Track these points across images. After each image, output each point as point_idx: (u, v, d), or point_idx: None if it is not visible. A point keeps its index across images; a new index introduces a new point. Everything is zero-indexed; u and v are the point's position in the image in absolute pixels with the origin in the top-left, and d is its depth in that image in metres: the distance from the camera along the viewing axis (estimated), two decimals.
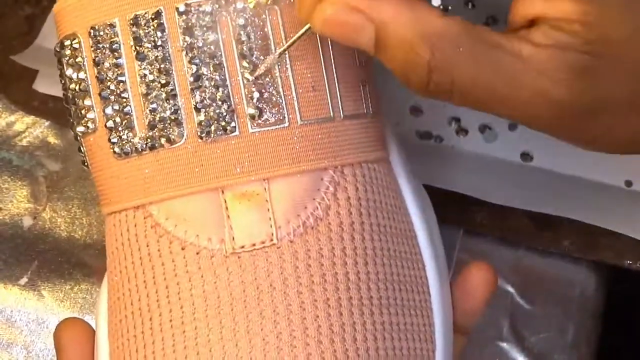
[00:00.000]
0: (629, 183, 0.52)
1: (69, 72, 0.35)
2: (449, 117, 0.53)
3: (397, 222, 0.35)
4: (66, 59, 0.35)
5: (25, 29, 0.55)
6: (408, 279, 0.35)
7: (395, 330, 0.34)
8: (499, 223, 0.51)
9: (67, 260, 0.51)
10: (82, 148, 0.36)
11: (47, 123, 0.54)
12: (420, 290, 0.35)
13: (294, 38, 0.33)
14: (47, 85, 0.53)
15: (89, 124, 0.34)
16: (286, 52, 0.33)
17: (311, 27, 0.31)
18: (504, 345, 0.50)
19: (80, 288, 0.51)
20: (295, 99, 0.33)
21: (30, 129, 0.54)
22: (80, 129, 0.35)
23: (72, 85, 0.35)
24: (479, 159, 0.52)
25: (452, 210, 0.51)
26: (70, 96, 0.35)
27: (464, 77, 0.30)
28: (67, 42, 0.34)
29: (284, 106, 0.33)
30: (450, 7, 0.56)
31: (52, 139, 0.54)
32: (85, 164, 0.36)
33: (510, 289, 0.51)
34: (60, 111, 0.53)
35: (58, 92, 0.53)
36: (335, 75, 0.34)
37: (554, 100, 0.30)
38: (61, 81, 0.36)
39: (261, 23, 0.33)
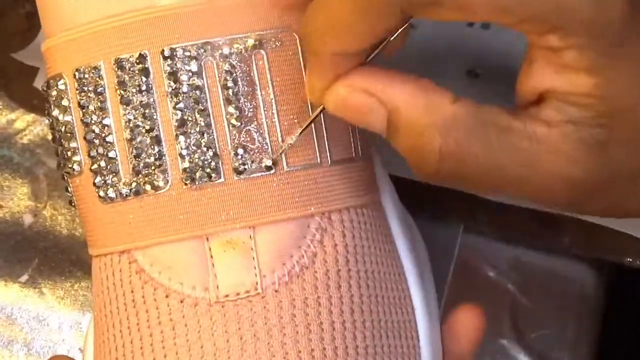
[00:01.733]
0: None
1: (55, 112, 0.34)
2: None
3: (387, 267, 0.35)
4: (52, 99, 0.34)
5: (25, 26, 0.55)
6: (396, 325, 0.34)
7: None
8: (499, 220, 0.51)
9: (67, 258, 0.51)
10: (69, 188, 0.35)
11: (47, 121, 0.54)
12: (409, 335, 0.35)
13: (312, 118, 0.33)
14: None
15: (75, 166, 0.34)
16: (274, 99, 0.33)
17: (325, 105, 0.31)
18: (505, 342, 0.50)
19: (81, 285, 0.51)
20: (280, 145, 0.33)
21: (30, 126, 0.54)
22: (67, 170, 0.34)
23: (59, 127, 0.34)
24: None
25: (453, 208, 0.51)
26: (57, 137, 0.35)
27: (476, 163, 0.30)
28: (53, 83, 0.34)
29: (270, 152, 0.33)
30: None
31: None
32: (73, 204, 0.36)
33: (511, 286, 0.51)
34: None
35: None
36: (322, 121, 0.34)
37: (570, 180, 0.30)
38: (48, 119, 0.35)
39: (247, 68, 0.32)
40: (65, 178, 0.35)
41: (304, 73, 0.33)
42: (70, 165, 0.34)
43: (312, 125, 0.33)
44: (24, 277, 0.51)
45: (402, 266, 0.36)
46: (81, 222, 0.35)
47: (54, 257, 0.51)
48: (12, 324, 0.50)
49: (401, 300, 0.35)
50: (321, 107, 0.32)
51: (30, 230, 0.52)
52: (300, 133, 0.33)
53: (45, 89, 0.35)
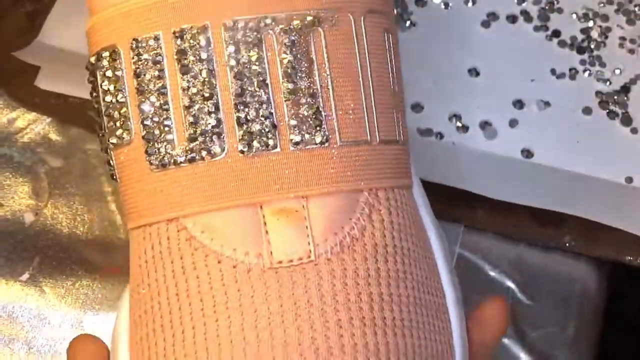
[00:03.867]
0: (629, 179, 0.52)
1: (104, 84, 0.35)
2: (449, 113, 0.53)
3: (422, 250, 0.36)
4: (103, 70, 0.35)
5: (26, 25, 0.55)
6: (432, 305, 0.35)
7: (423, 354, 0.34)
8: (499, 219, 0.51)
9: (68, 257, 0.51)
10: (111, 161, 0.35)
11: (48, 120, 0.54)
12: (442, 317, 0.35)
13: None
14: (48, 82, 0.53)
15: (124, 136, 0.34)
16: (330, 75, 0.34)
17: None
18: (505, 341, 0.50)
19: (82, 284, 0.51)
20: (335, 119, 0.34)
21: (31, 125, 0.54)
22: (113, 140, 0.35)
23: (108, 97, 0.35)
24: (480, 155, 0.52)
25: (453, 207, 0.51)
26: (104, 108, 0.35)
27: None
28: (105, 54, 0.34)
29: (325, 126, 0.33)
30: (450, 4, 0.56)
31: (53, 136, 0.54)
32: (115, 177, 0.36)
33: (511, 285, 0.51)
34: (62, 108, 0.53)
35: (60, 89, 0.53)
36: (373, 100, 0.34)
37: None
38: (92, 94, 0.35)
39: (305, 44, 0.33)
40: (109, 151, 0.35)
41: (357, 53, 0.34)
42: (119, 135, 0.34)
43: (364, 103, 0.34)
44: (25, 276, 0.51)
45: (433, 252, 0.36)
46: (122, 195, 0.36)
47: (55, 256, 0.51)
48: (13, 322, 0.50)
49: (435, 283, 0.36)
50: None
51: (31, 229, 0.52)
52: None
53: (93, 61, 0.35)
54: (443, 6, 0.56)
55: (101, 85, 0.35)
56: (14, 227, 0.52)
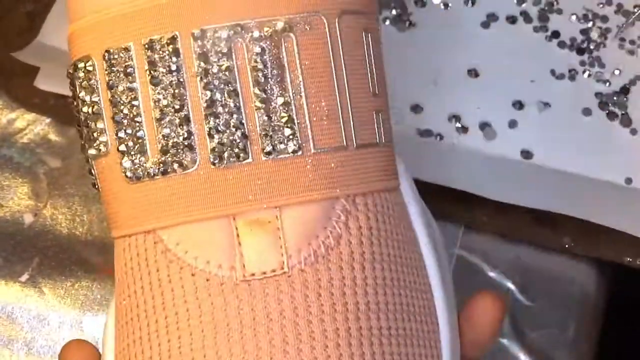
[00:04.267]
0: (629, 180, 0.52)
1: (82, 94, 0.34)
2: (449, 114, 0.53)
3: (407, 252, 0.35)
4: (79, 81, 0.34)
5: (26, 25, 0.55)
6: (417, 309, 0.35)
7: None
8: (499, 220, 0.51)
9: (67, 257, 0.51)
10: (92, 171, 0.35)
11: (48, 120, 0.54)
12: (428, 320, 0.35)
13: None
14: (48, 83, 0.53)
15: (101, 147, 0.34)
16: (303, 82, 0.33)
17: None
18: (504, 341, 0.50)
19: (81, 285, 0.51)
20: (309, 127, 0.33)
21: (31, 126, 0.54)
22: (92, 151, 0.34)
23: (85, 108, 0.34)
24: (479, 156, 0.52)
25: (453, 207, 0.51)
26: (83, 119, 0.35)
27: None
28: (81, 65, 0.34)
29: (298, 134, 0.33)
30: (450, 5, 0.56)
31: (53, 136, 0.54)
32: (96, 186, 0.36)
33: (511, 285, 0.51)
34: (62, 108, 0.53)
35: (59, 89, 0.53)
36: (349, 104, 0.34)
37: None
38: (73, 103, 0.35)
39: (277, 51, 0.33)
40: (89, 160, 0.35)
41: (331, 57, 0.33)
42: (96, 146, 0.34)
43: (339, 108, 0.34)
44: (25, 277, 0.51)
45: (422, 253, 0.36)
46: (104, 204, 0.35)
47: (55, 257, 0.51)
48: (12, 323, 0.50)
49: (421, 286, 0.35)
50: None
51: (31, 230, 0.52)
52: None
53: (71, 71, 0.35)
54: (443, 7, 0.56)
55: (79, 96, 0.34)
56: (13, 227, 0.52)
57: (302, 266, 0.33)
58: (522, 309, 0.51)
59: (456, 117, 0.53)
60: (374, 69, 0.35)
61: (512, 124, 0.53)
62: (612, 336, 0.54)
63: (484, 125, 0.53)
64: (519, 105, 0.54)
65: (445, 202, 0.50)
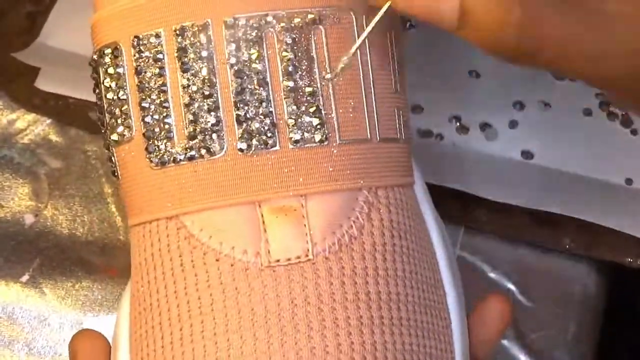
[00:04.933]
0: (629, 181, 0.52)
1: (106, 80, 0.35)
2: (449, 115, 0.53)
3: (422, 248, 0.36)
4: (105, 67, 0.35)
5: (26, 26, 0.55)
6: (432, 304, 0.35)
7: (421, 352, 0.34)
8: (499, 220, 0.51)
9: (68, 258, 0.51)
10: (113, 158, 0.36)
11: (48, 121, 0.54)
12: (442, 315, 0.35)
13: (374, 20, 0.33)
14: (48, 83, 0.53)
15: (125, 133, 0.34)
16: (329, 71, 0.33)
17: (393, 3, 0.31)
18: (505, 342, 0.50)
19: (82, 285, 0.51)
20: (335, 118, 0.34)
21: (31, 126, 0.54)
22: (114, 137, 0.35)
23: (109, 94, 0.35)
24: (480, 156, 0.52)
25: (453, 208, 0.51)
26: (106, 105, 0.35)
27: (554, 33, 0.30)
28: (108, 51, 0.34)
29: (325, 124, 0.33)
30: None
31: (53, 137, 0.54)
32: (116, 174, 0.36)
33: (511, 286, 0.51)
34: (62, 109, 0.53)
35: (59, 89, 0.53)
36: (374, 99, 0.34)
37: None
38: (95, 90, 0.36)
39: (306, 42, 0.33)
40: (110, 147, 0.35)
41: (358, 51, 0.34)
42: (119, 132, 0.35)
43: (365, 102, 0.34)
44: (25, 277, 0.51)
45: (435, 250, 0.36)
46: (123, 192, 0.36)
47: (55, 257, 0.51)
48: (13, 323, 0.50)
49: (435, 282, 0.36)
50: (387, 4, 0.32)
51: (31, 230, 0.52)
52: (362, 39, 0.33)
53: (96, 58, 0.35)
54: None
55: (103, 82, 0.35)
56: (14, 228, 0.52)
57: (327, 254, 0.33)
58: (522, 309, 0.51)
59: (457, 118, 0.53)
60: (396, 67, 0.36)
61: (513, 124, 0.53)
62: (612, 336, 0.54)
63: (484, 126, 0.53)
64: (519, 105, 0.54)
65: (445, 203, 0.50)
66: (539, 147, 0.52)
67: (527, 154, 0.52)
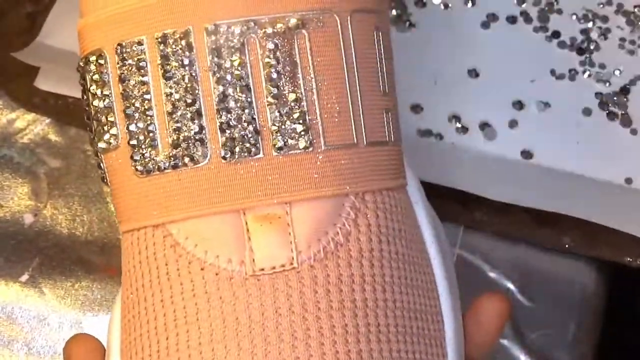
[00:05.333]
0: (629, 180, 0.52)
1: (92, 88, 0.35)
2: (449, 114, 0.53)
3: (414, 251, 0.35)
4: (90, 74, 0.35)
5: (26, 26, 0.55)
6: (423, 308, 0.35)
7: (410, 359, 0.33)
8: (499, 220, 0.51)
9: (68, 257, 0.51)
10: (102, 165, 0.35)
11: (48, 120, 0.54)
12: (434, 319, 0.35)
13: None
14: (48, 83, 0.53)
15: (111, 141, 0.34)
16: (315, 79, 0.33)
17: None
18: (504, 342, 0.50)
19: (81, 285, 0.51)
20: (320, 123, 0.33)
21: (31, 126, 0.54)
22: (101, 145, 0.35)
23: (96, 102, 0.34)
24: (479, 156, 0.52)
25: (453, 208, 0.51)
26: (93, 112, 0.35)
27: None
28: (93, 58, 0.34)
29: (309, 130, 0.33)
30: (450, 5, 0.56)
31: (53, 136, 0.54)
32: (105, 180, 0.36)
33: (511, 286, 0.51)
34: (62, 108, 0.53)
35: (59, 89, 0.53)
36: (360, 102, 0.34)
37: None
38: (83, 97, 0.35)
39: (289, 47, 0.33)
40: (99, 154, 0.35)
41: (343, 54, 0.34)
42: (106, 140, 0.34)
43: (350, 105, 0.34)
44: (25, 277, 0.51)
45: (428, 253, 0.36)
46: (113, 198, 0.36)
47: (55, 257, 0.51)
48: (12, 323, 0.50)
49: (428, 285, 0.35)
50: None
51: (31, 230, 0.52)
52: None
53: (82, 64, 0.35)
54: (443, 7, 0.56)
55: (89, 89, 0.35)
56: (13, 228, 0.52)
57: (312, 262, 0.33)
58: (522, 309, 0.51)
59: (456, 117, 0.53)
60: (384, 68, 0.35)
61: (512, 124, 0.53)
62: (612, 336, 0.54)
63: (484, 125, 0.53)
64: (519, 105, 0.54)
65: (445, 202, 0.50)
66: (538, 147, 0.52)
67: (526, 154, 0.52)
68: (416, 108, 0.54)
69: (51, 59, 0.54)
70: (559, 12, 0.56)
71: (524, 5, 0.56)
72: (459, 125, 0.53)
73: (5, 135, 0.54)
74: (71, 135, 0.54)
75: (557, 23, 0.56)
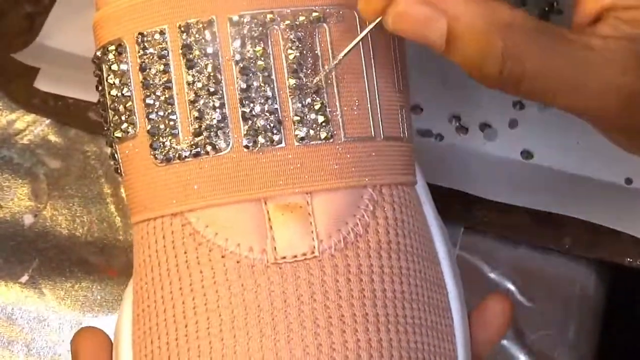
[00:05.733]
0: (629, 181, 0.52)
1: (110, 77, 0.35)
2: (449, 115, 0.53)
3: (426, 247, 0.36)
4: (108, 64, 0.35)
5: (26, 27, 0.55)
6: (435, 303, 0.35)
7: (426, 351, 0.34)
8: (499, 221, 0.51)
9: (67, 258, 0.51)
10: (116, 155, 0.36)
11: (47, 121, 0.54)
12: (445, 314, 0.36)
13: (365, 31, 0.33)
14: (48, 84, 0.53)
15: (129, 130, 0.34)
16: (335, 67, 0.34)
17: (384, 22, 0.32)
18: (505, 342, 0.50)
19: (81, 286, 0.51)
20: (340, 115, 0.34)
21: (31, 127, 0.54)
22: (118, 134, 0.35)
23: (113, 91, 0.35)
24: (480, 157, 0.52)
25: (453, 208, 0.51)
26: (109, 102, 0.35)
27: (536, 65, 0.31)
28: (111, 48, 0.34)
29: (330, 122, 0.33)
30: None
31: (52, 137, 0.54)
32: (119, 171, 0.36)
33: (511, 286, 0.51)
34: (61, 109, 0.53)
35: (59, 90, 0.53)
36: (377, 97, 0.35)
37: (621, 88, 0.32)
38: (98, 87, 0.36)
39: (310, 40, 0.33)
40: (114, 145, 0.35)
41: (361, 49, 0.34)
42: (123, 129, 0.35)
43: (368, 100, 0.34)
44: (24, 278, 0.51)
45: (437, 249, 0.37)
46: (127, 189, 0.36)
47: (55, 258, 0.51)
48: (12, 324, 0.50)
49: (438, 281, 0.36)
50: (377, 21, 0.33)
51: (31, 231, 0.52)
52: (352, 48, 0.34)
53: (99, 55, 0.35)
54: None
55: (107, 79, 0.35)
56: (13, 229, 0.52)
57: (332, 251, 0.33)
58: (522, 310, 0.51)
59: (456, 118, 0.53)
60: (399, 66, 0.36)
61: (513, 124, 0.53)
62: (612, 337, 0.54)
63: (484, 126, 0.53)
64: (519, 105, 0.54)
65: (445, 203, 0.50)
66: (538, 147, 0.52)
67: (526, 154, 0.52)
68: (416, 108, 0.54)
69: (51, 60, 0.54)
70: (559, 12, 0.56)
71: (525, 7, 0.56)
72: (459, 125, 0.53)
73: (5, 136, 0.54)
74: (71, 136, 0.54)
75: (557, 24, 0.56)
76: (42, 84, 0.53)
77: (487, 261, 0.52)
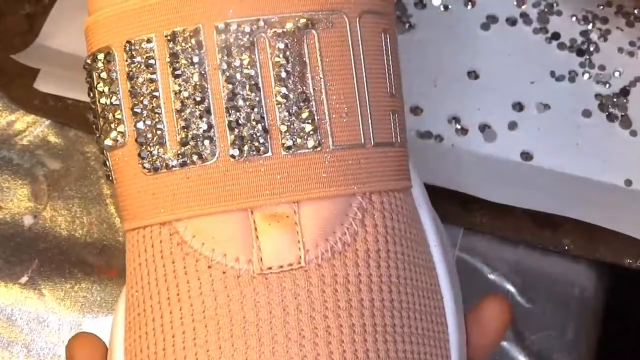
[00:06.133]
0: (628, 182, 0.52)
1: (99, 85, 0.35)
2: (449, 116, 0.53)
3: (419, 253, 0.36)
4: (98, 72, 0.35)
5: (26, 27, 0.55)
6: (428, 309, 0.35)
7: (416, 359, 0.34)
8: (499, 222, 0.51)
9: (67, 259, 0.51)
10: (107, 162, 0.35)
11: (47, 122, 0.54)
12: (438, 321, 0.35)
13: None
14: (47, 84, 0.53)
15: (118, 138, 0.34)
16: (323, 78, 0.33)
17: None
18: (504, 343, 0.50)
19: (81, 287, 0.51)
20: (328, 123, 0.33)
21: (30, 127, 0.54)
22: (108, 142, 0.35)
23: (103, 99, 0.35)
24: (479, 158, 0.52)
25: (452, 209, 0.51)
26: (99, 110, 0.35)
27: None
28: (100, 56, 0.34)
29: (318, 130, 0.33)
30: (450, 6, 0.56)
31: (52, 138, 0.54)
32: (110, 178, 0.36)
33: (511, 287, 0.51)
34: (61, 110, 0.53)
35: (59, 91, 0.53)
36: (367, 103, 0.34)
37: None
38: (89, 94, 0.35)
39: (298, 47, 0.33)
40: (105, 152, 0.35)
41: (351, 55, 0.34)
42: (112, 137, 0.35)
43: (359, 106, 0.34)
44: (24, 279, 0.51)
45: (432, 254, 0.36)
46: (118, 196, 0.36)
47: (54, 259, 0.51)
48: (12, 325, 0.50)
49: (432, 287, 0.36)
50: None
51: (30, 232, 0.52)
52: None
53: (89, 62, 0.35)
54: (442, 8, 0.56)
55: (96, 87, 0.35)
56: (13, 229, 0.52)
57: (319, 261, 0.33)
58: (521, 311, 0.51)
59: (456, 119, 0.53)
60: (391, 70, 0.36)
61: (512, 125, 0.53)
62: (612, 338, 0.54)
63: (483, 127, 0.53)
64: (518, 106, 0.54)
65: (444, 204, 0.50)
66: (538, 149, 0.52)
67: (526, 155, 0.52)
68: (416, 109, 0.54)
69: (51, 60, 0.54)
70: (559, 13, 0.56)
71: (523, 7, 0.56)
72: (458, 126, 0.53)
73: (5, 137, 0.54)
74: (70, 136, 0.54)
75: (556, 24, 0.56)
76: (42, 85, 0.53)
77: (487, 262, 0.52)
